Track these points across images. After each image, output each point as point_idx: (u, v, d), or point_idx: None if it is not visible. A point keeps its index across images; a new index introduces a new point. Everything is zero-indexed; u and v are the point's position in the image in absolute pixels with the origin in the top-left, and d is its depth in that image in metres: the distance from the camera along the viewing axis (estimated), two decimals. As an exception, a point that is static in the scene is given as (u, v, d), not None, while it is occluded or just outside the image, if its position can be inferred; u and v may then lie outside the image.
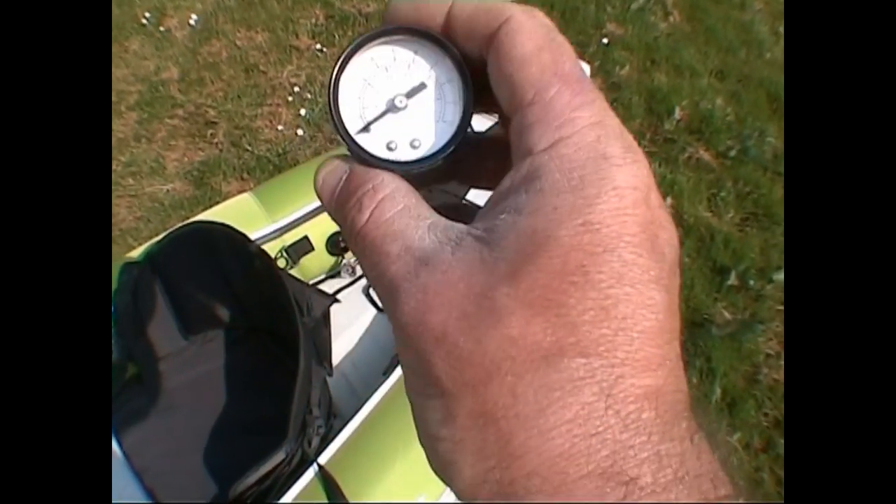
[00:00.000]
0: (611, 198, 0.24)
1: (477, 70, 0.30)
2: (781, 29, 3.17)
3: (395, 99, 0.30)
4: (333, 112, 0.31)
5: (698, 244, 2.23)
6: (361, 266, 0.29)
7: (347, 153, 0.31)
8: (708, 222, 2.31)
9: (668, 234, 0.25)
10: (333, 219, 0.31)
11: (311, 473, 1.22)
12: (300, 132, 2.52)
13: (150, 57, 2.87)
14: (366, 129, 0.31)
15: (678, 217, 2.31)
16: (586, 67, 1.83)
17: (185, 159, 2.49)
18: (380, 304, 1.71)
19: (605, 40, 2.93)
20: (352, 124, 0.31)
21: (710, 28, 3.09)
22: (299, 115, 2.58)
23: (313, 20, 2.97)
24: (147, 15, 3.03)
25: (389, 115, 0.31)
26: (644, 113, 2.64)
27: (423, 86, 0.31)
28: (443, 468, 0.26)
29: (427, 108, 0.31)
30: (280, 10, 3.03)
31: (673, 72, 2.84)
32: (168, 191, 2.38)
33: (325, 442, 1.26)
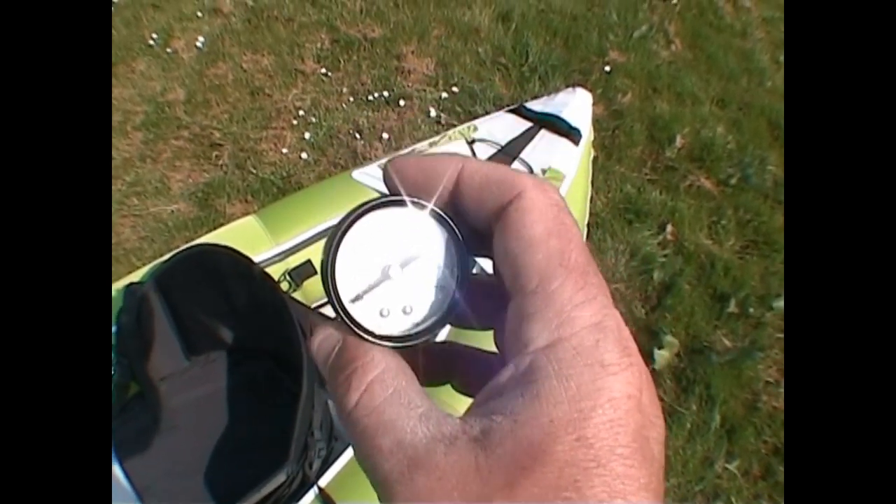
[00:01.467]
0: (606, 410, 0.24)
1: (480, 235, 0.30)
2: (782, 58, 3.20)
3: (390, 268, 0.30)
4: (329, 281, 0.30)
5: (698, 271, 2.24)
6: (353, 449, 0.29)
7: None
8: (708, 249, 2.32)
9: (657, 432, 0.26)
10: (329, 386, 0.30)
11: (311, 496, 1.22)
12: (304, 155, 2.54)
13: (157, 78, 2.90)
14: (359, 297, 0.30)
15: (679, 244, 2.32)
16: (588, 97, 1.85)
17: (190, 180, 2.50)
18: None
19: (607, 68, 2.96)
20: (346, 293, 0.30)
21: (711, 56, 3.13)
22: (304, 138, 2.61)
23: (319, 44, 3.01)
24: (154, 36, 3.06)
25: (384, 284, 0.31)
26: (645, 140, 2.66)
27: (419, 255, 0.31)
28: None
29: (422, 276, 0.31)
30: (286, 34, 3.06)
31: (674, 99, 2.86)
32: (172, 211, 2.39)
33: (326, 464, 1.27)
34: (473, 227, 0.30)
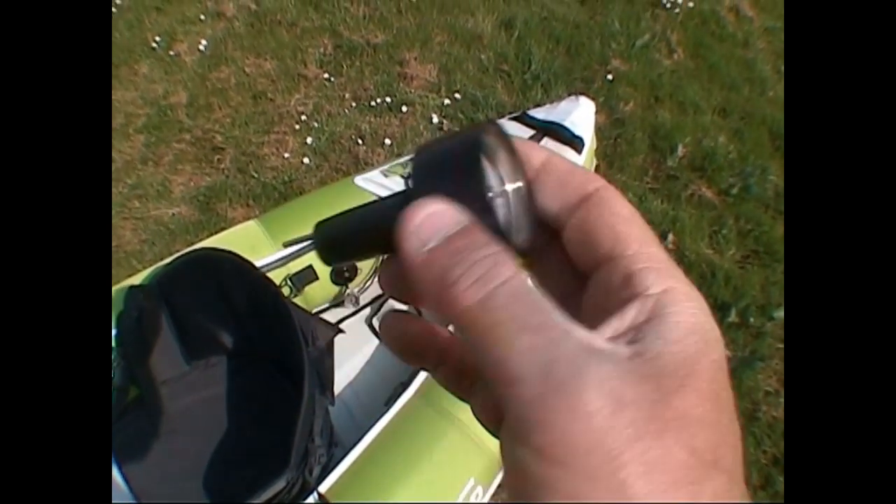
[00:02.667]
0: (719, 345, 0.26)
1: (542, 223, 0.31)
2: (784, 67, 3.20)
3: (507, 183, 0.30)
4: (481, 154, 0.28)
5: (699, 281, 2.24)
6: (478, 350, 0.25)
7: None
8: (709, 259, 2.32)
9: None
10: (411, 270, 0.27)
11: (311, 502, 1.23)
12: (306, 160, 2.54)
13: (159, 81, 2.91)
14: (495, 195, 0.29)
15: (679, 254, 2.32)
16: (591, 105, 1.85)
17: (192, 184, 2.51)
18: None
19: (609, 76, 2.96)
20: (491, 180, 0.29)
21: (713, 65, 3.13)
22: (306, 143, 2.61)
23: (322, 50, 3.01)
24: (157, 39, 3.07)
25: (504, 198, 0.30)
26: (647, 149, 2.66)
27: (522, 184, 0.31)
28: None
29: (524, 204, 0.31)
30: (289, 39, 3.07)
31: (676, 108, 2.87)
32: (174, 215, 2.39)
33: (326, 471, 1.27)
34: (548, 212, 0.31)
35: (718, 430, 0.25)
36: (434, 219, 0.27)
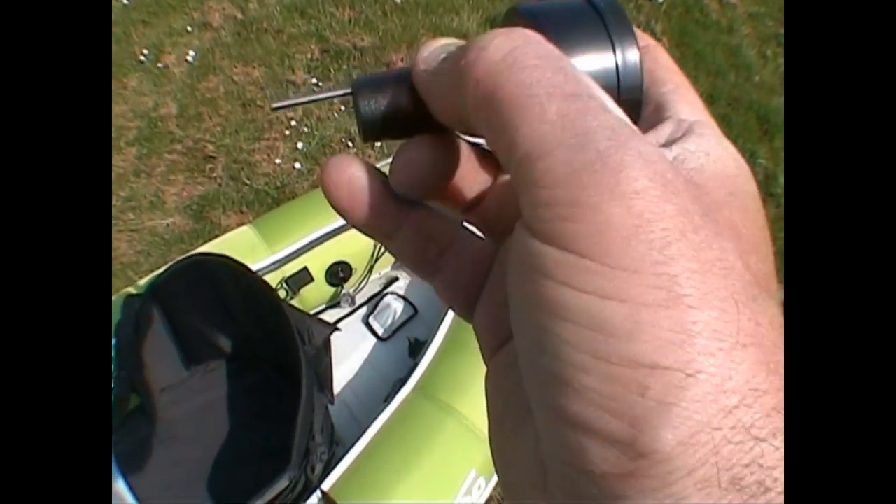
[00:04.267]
0: (752, 182, 0.25)
1: None
2: (769, 52, 3.22)
3: None
4: None
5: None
6: (493, 128, 0.21)
7: None
8: (702, 244, 2.33)
9: None
10: (436, 67, 0.24)
11: (314, 500, 1.24)
12: (297, 165, 2.55)
13: (149, 93, 2.91)
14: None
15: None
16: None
17: (185, 193, 2.52)
18: (379, 333, 1.73)
19: (595, 68, 2.97)
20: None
21: (698, 53, 3.15)
22: (296, 148, 2.62)
23: (308, 55, 3.02)
24: (145, 52, 3.08)
25: None
26: (636, 138, 2.67)
27: None
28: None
29: None
30: (276, 46, 3.08)
31: (663, 97, 2.88)
32: (168, 225, 2.40)
33: (328, 468, 1.29)
34: None
35: (768, 259, 0.23)
36: (434, 45, 0.25)
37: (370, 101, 0.26)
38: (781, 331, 0.20)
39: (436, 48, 0.24)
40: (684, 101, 0.26)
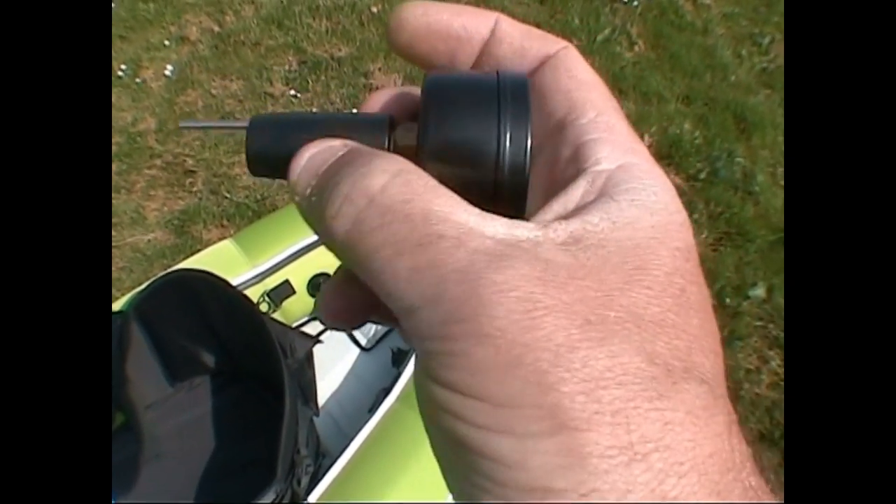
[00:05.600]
0: (688, 230, 0.23)
1: None
2: (744, 52, 3.25)
3: None
4: None
5: (674, 266, 2.26)
6: (365, 273, 0.21)
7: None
8: (682, 244, 2.35)
9: None
10: (307, 208, 0.23)
11: (301, 513, 1.24)
12: (278, 176, 2.55)
13: (128, 108, 2.91)
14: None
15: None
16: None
17: (165, 208, 2.51)
18: (363, 343, 1.73)
19: (573, 72, 2.98)
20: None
21: (674, 55, 3.17)
22: (277, 159, 2.61)
23: (286, 67, 3.02)
24: (123, 67, 3.07)
25: None
26: (614, 140, 2.69)
27: None
28: None
29: None
30: (254, 58, 3.08)
31: (640, 99, 2.90)
32: (149, 240, 2.40)
33: (314, 481, 1.28)
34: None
35: (687, 332, 0.20)
36: (315, 157, 0.24)
37: (259, 140, 0.27)
38: (713, 411, 0.19)
39: (308, 167, 0.24)
40: (606, 141, 0.24)
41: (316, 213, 0.23)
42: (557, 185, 0.24)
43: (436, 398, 0.20)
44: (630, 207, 0.22)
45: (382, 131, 0.26)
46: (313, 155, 0.24)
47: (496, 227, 0.20)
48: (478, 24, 0.27)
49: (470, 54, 0.27)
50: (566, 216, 0.22)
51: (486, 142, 0.23)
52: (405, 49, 0.27)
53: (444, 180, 0.22)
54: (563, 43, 0.27)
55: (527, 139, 0.23)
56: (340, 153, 0.23)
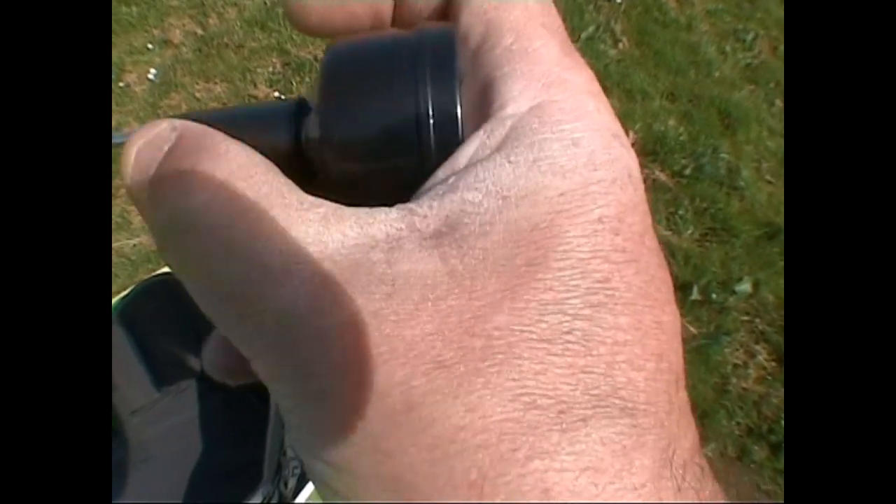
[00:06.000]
0: (626, 188, 0.18)
1: None
2: (728, 48, 3.26)
3: None
4: None
5: (660, 262, 2.27)
6: (199, 298, 0.19)
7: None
8: (668, 240, 2.36)
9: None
10: (149, 219, 0.20)
11: (288, 515, 1.23)
12: (263, 178, 2.54)
13: (112, 113, 2.89)
14: None
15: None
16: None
17: (151, 213, 2.49)
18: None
19: (557, 70, 2.98)
20: None
21: (658, 52, 3.18)
22: (262, 161, 2.60)
23: (270, 69, 3.02)
24: (105, 73, 3.05)
25: None
26: (600, 138, 2.69)
27: None
28: None
29: None
30: (237, 61, 3.07)
31: (625, 97, 2.91)
32: (134, 245, 2.38)
33: (302, 481, 1.28)
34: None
35: (608, 342, 0.15)
36: (143, 150, 0.20)
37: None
38: (633, 454, 0.15)
39: (137, 166, 0.20)
40: (518, 74, 0.18)
41: (157, 202, 0.19)
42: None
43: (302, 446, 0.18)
44: (531, 171, 0.16)
45: (287, 123, 0.22)
46: (140, 149, 0.20)
47: (345, 230, 0.16)
48: None
49: (387, 12, 0.22)
50: (448, 177, 0.17)
51: (403, 123, 0.18)
52: (317, 30, 0.22)
53: (356, 178, 0.19)
54: None
55: (455, 109, 0.18)
56: (166, 146, 0.19)
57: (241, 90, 2.93)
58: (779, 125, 2.80)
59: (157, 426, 1.52)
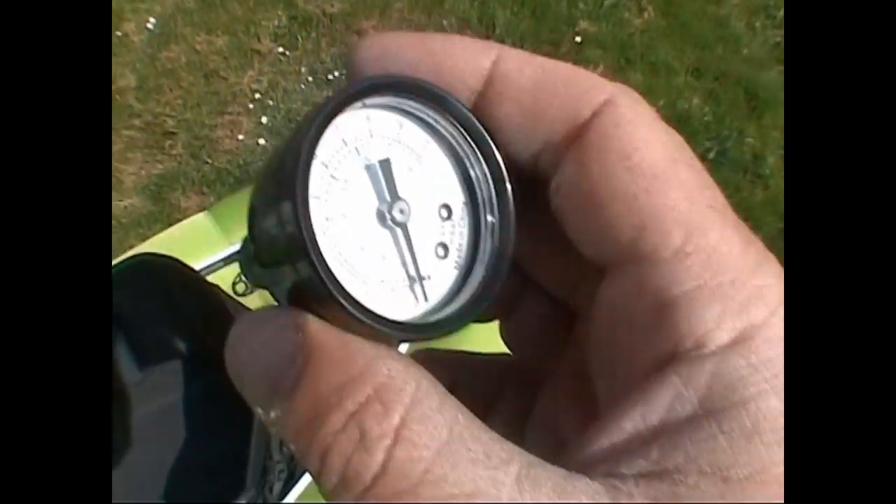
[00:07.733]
0: None
1: (525, 172, 0.19)
2: (758, 24, 3.13)
3: (393, 207, 0.19)
4: (299, 218, 0.19)
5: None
6: None
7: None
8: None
9: None
10: (296, 448, 0.18)
11: (272, 523, 1.19)
12: (262, 141, 2.46)
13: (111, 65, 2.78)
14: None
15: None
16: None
17: (143, 172, 2.40)
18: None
19: (577, 38, 2.88)
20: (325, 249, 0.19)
21: (685, 24, 3.04)
22: (261, 123, 2.52)
23: (275, 22, 2.89)
24: (102, 19, 2.93)
25: (379, 234, 0.19)
26: (619, 114, 2.60)
27: (432, 189, 0.19)
28: None
29: (434, 227, 0.19)
30: (241, 13, 2.93)
31: (648, 70, 2.79)
32: (126, 207, 2.30)
33: (288, 485, 1.23)
34: (515, 157, 0.18)
35: None
36: (259, 355, 0.18)
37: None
38: None
39: (255, 373, 0.18)
40: (707, 288, 0.16)
41: (302, 445, 0.18)
42: (634, 371, 0.16)
43: None
44: (752, 444, 0.14)
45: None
46: (250, 355, 0.18)
47: (541, 498, 0.14)
48: (471, 55, 0.18)
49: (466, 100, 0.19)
50: (647, 470, 0.14)
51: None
52: None
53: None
54: (603, 91, 0.17)
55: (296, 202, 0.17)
56: (300, 360, 0.16)
57: (244, 44, 2.80)
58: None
59: (139, 409, 1.49)
